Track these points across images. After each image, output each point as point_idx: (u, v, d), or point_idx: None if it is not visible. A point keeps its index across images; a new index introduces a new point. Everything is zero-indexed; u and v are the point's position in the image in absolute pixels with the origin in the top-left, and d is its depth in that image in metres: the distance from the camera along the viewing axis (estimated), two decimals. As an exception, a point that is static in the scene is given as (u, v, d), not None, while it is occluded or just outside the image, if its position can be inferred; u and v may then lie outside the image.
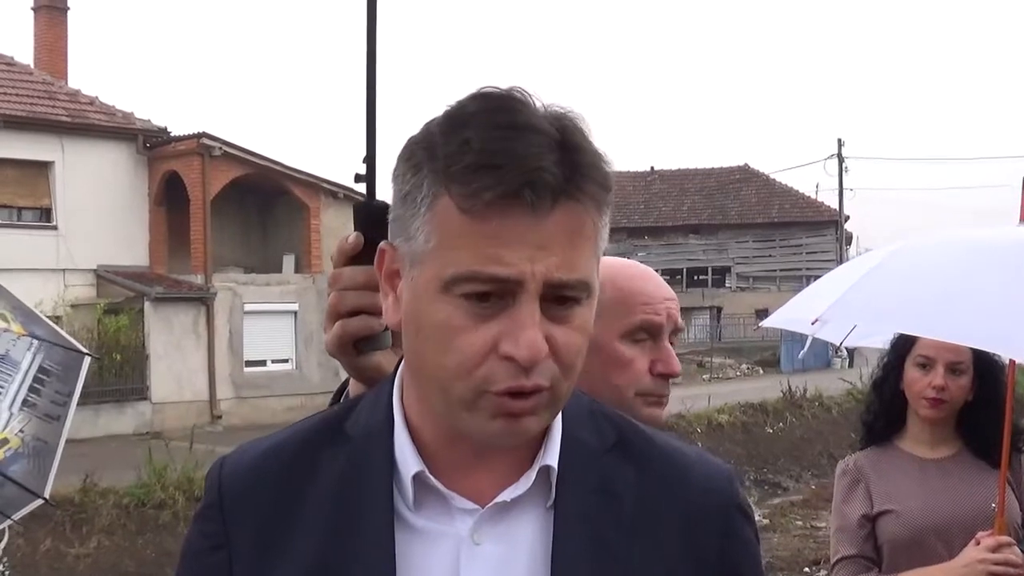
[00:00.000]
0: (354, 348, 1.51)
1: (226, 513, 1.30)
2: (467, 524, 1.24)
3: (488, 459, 1.26)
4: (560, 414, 1.28)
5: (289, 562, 1.25)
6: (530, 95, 1.19)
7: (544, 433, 1.28)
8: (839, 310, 3.32)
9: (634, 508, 1.28)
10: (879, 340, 3.76)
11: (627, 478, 1.30)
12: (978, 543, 3.12)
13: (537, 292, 1.15)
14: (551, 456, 1.27)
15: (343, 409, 1.36)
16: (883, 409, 3.44)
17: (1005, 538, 3.11)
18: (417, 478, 1.25)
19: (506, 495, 1.25)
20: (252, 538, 1.28)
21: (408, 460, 1.26)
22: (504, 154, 1.14)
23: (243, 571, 1.28)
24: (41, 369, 3.99)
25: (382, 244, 1.29)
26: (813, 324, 3.36)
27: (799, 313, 3.60)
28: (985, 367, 3.32)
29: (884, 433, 3.44)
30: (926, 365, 3.30)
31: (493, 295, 1.15)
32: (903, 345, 3.37)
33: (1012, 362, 3.28)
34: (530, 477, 1.25)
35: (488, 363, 1.16)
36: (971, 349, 3.25)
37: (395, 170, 1.24)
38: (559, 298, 1.17)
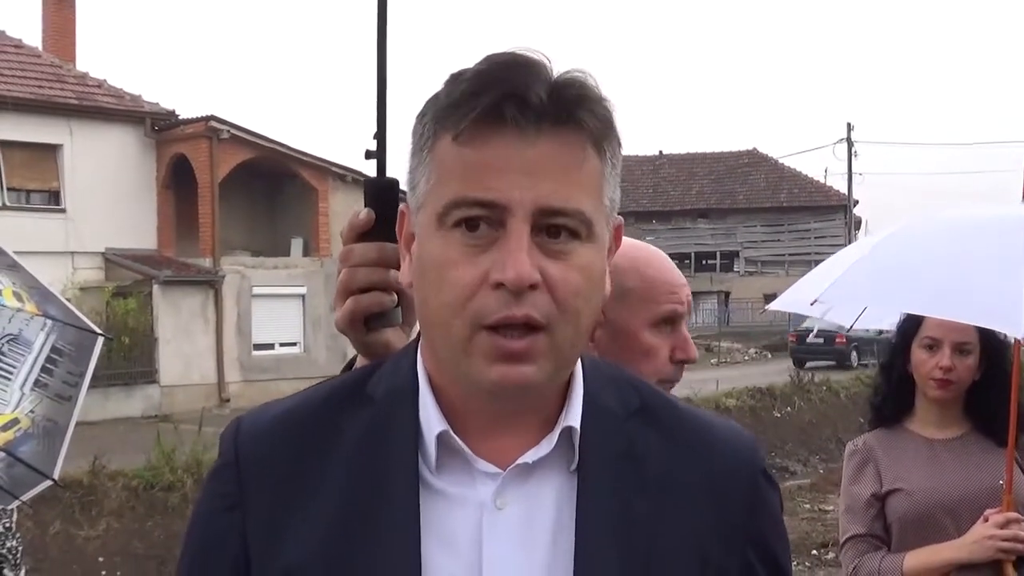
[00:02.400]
0: (364, 325, 1.51)
1: (242, 472, 1.29)
2: (489, 488, 1.24)
3: (510, 421, 1.25)
4: (581, 377, 1.29)
5: (307, 523, 1.24)
6: (539, 55, 1.19)
7: (564, 395, 1.28)
8: (836, 291, 3.36)
9: (658, 472, 1.28)
10: (886, 323, 3.77)
11: (651, 443, 1.29)
12: (986, 520, 3.17)
13: (526, 219, 1.15)
14: (573, 418, 1.26)
15: (364, 371, 1.35)
16: (892, 392, 3.46)
17: (1013, 514, 3.16)
18: (440, 439, 1.24)
19: (528, 457, 1.24)
20: (269, 498, 1.27)
21: (432, 421, 1.25)
22: (492, 79, 1.16)
23: (258, 532, 1.26)
24: (54, 349, 3.98)
25: (401, 207, 1.31)
26: (812, 305, 3.40)
27: (801, 295, 3.63)
28: (992, 347, 3.33)
29: (893, 415, 3.46)
30: (932, 346, 3.32)
31: (483, 222, 1.16)
32: (910, 327, 3.39)
33: (1017, 342, 3.29)
34: (553, 438, 1.25)
35: (480, 294, 1.16)
36: (977, 329, 3.29)
37: (412, 130, 1.26)
38: (553, 228, 1.16)
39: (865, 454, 3.43)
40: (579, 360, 1.31)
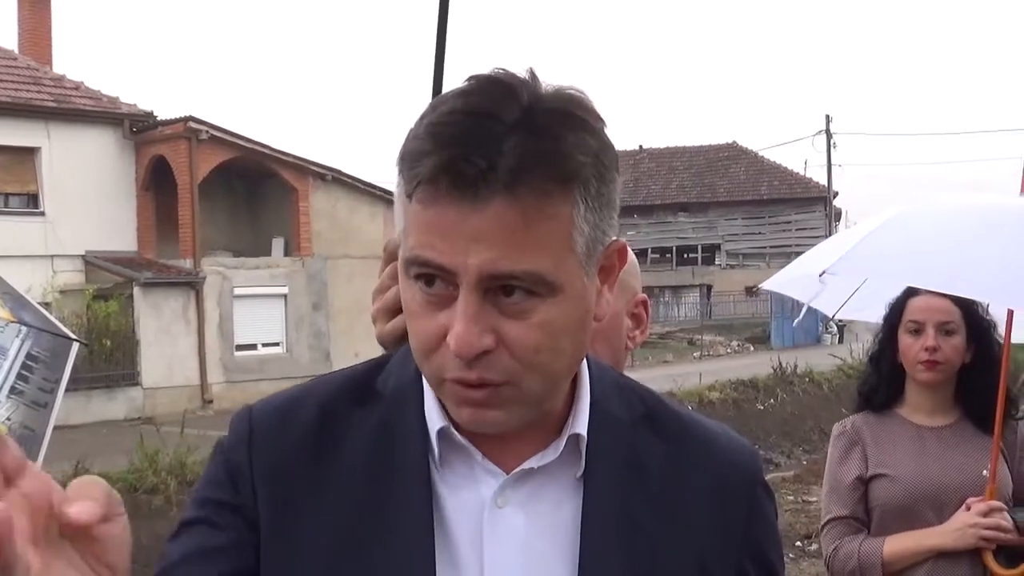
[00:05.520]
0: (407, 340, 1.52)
1: (254, 450, 1.28)
2: (491, 487, 1.24)
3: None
4: (588, 384, 1.30)
5: (320, 513, 1.25)
6: (519, 77, 1.15)
7: (571, 403, 1.28)
8: (847, 263, 3.37)
9: (662, 482, 1.29)
10: (869, 314, 3.79)
11: (655, 451, 1.30)
12: (968, 508, 3.18)
13: (474, 285, 1.12)
14: (580, 425, 1.26)
15: (371, 366, 1.36)
16: (882, 382, 3.47)
17: (995, 503, 3.17)
18: (442, 434, 1.25)
19: (533, 462, 1.24)
20: (281, 477, 1.27)
21: (434, 417, 1.26)
22: (436, 140, 1.11)
23: (266, 512, 1.26)
24: (29, 356, 3.93)
25: None
26: (821, 276, 3.40)
27: (805, 270, 3.64)
28: (976, 325, 3.36)
29: (883, 403, 3.47)
30: (917, 330, 3.35)
31: (439, 280, 1.14)
32: (894, 316, 3.42)
33: (1010, 313, 3.31)
34: (559, 446, 1.25)
35: (440, 351, 1.16)
36: (960, 309, 3.32)
37: None
38: (507, 288, 1.13)
39: (852, 436, 3.44)
40: (586, 367, 1.31)
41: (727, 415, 21.33)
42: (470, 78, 1.17)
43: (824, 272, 3.40)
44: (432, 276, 1.15)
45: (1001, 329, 3.36)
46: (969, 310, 3.32)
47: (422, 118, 1.15)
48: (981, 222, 3.33)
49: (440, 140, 1.11)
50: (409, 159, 1.13)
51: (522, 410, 1.19)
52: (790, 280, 3.92)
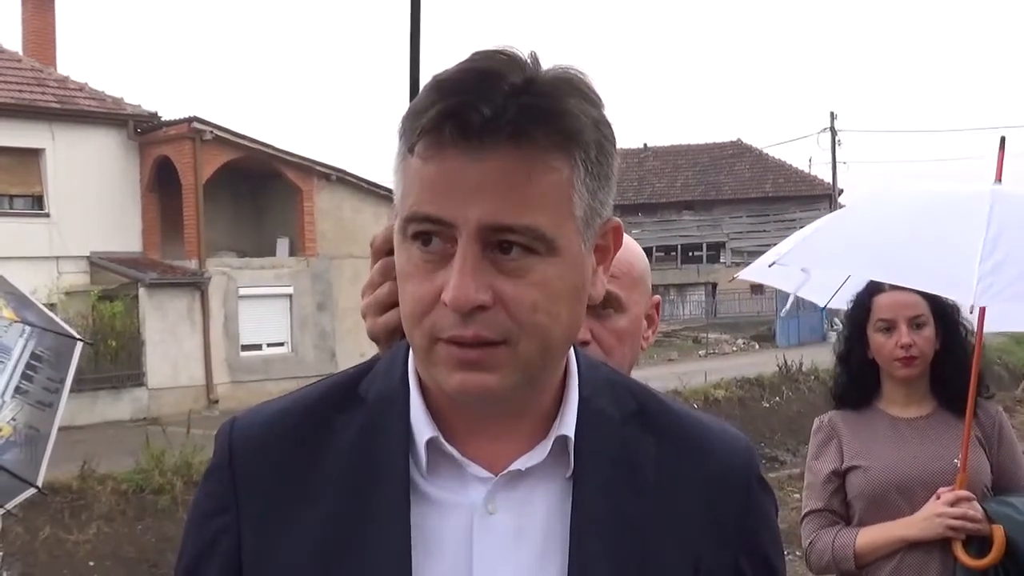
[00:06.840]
0: (400, 335, 1.51)
1: (236, 474, 1.28)
2: (481, 493, 1.23)
3: (501, 426, 1.24)
4: (576, 382, 1.28)
5: (301, 528, 1.24)
6: (521, 53, 1.16)
7: (559, 402, 1.27)
8: (796, 254, 3.41)
9: (654, 478, 1.27)
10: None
11: (647, 448, 1.29)
12: (939, 498, 3.19)
13: (473, 237, 1.12)
14: (567, 426, 1.25)
15: (356, 372, 1.35)
16: (853, 381, 3.49)
17: (964, 492, 3.18)
18: (431, 444, 1.23)
19: (520, 464, 1.23)
20: (261, 500, 1.26)
21: (422, 425, 1.24)
22: (442, 91, 1.13)
23: (251, 533, 1.26)
24: (33, 356, 3.92)
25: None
26: (770, 267, 3.44)
27: (766, 260, 3.69)
28: (943, 314, 3.39)
29: (858, 401, 3.50)
30: (888, 328, 3.36)
31: (437, 237, 1.14)
32: (860, 314, 3.44)
33: (981, 312, 3.31)
34: (546, 447, 1.24)
35: (435, 310, 1.15)
36: (926, 301, 3.34)
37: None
38: (505, 244, 1.13)
39: (829, 430, 3.48)
40: (576, 364, 1.30)
41: (733, 413, 21.33)
42: (475, 52, 1.18)
43: (773, 263, 3.43)
44: (430, 235, 1.15)
45: (965, 313, 3.37)
46: (935, 300, 3.34)
47: (425, 86, 1.17)
48: (927, 211, 3.36)
49: (446, 91, 1.12)
50: (412, 115, 1.14)
51: (515, 378, 1.17)
52: (756, 271, 3.93)
